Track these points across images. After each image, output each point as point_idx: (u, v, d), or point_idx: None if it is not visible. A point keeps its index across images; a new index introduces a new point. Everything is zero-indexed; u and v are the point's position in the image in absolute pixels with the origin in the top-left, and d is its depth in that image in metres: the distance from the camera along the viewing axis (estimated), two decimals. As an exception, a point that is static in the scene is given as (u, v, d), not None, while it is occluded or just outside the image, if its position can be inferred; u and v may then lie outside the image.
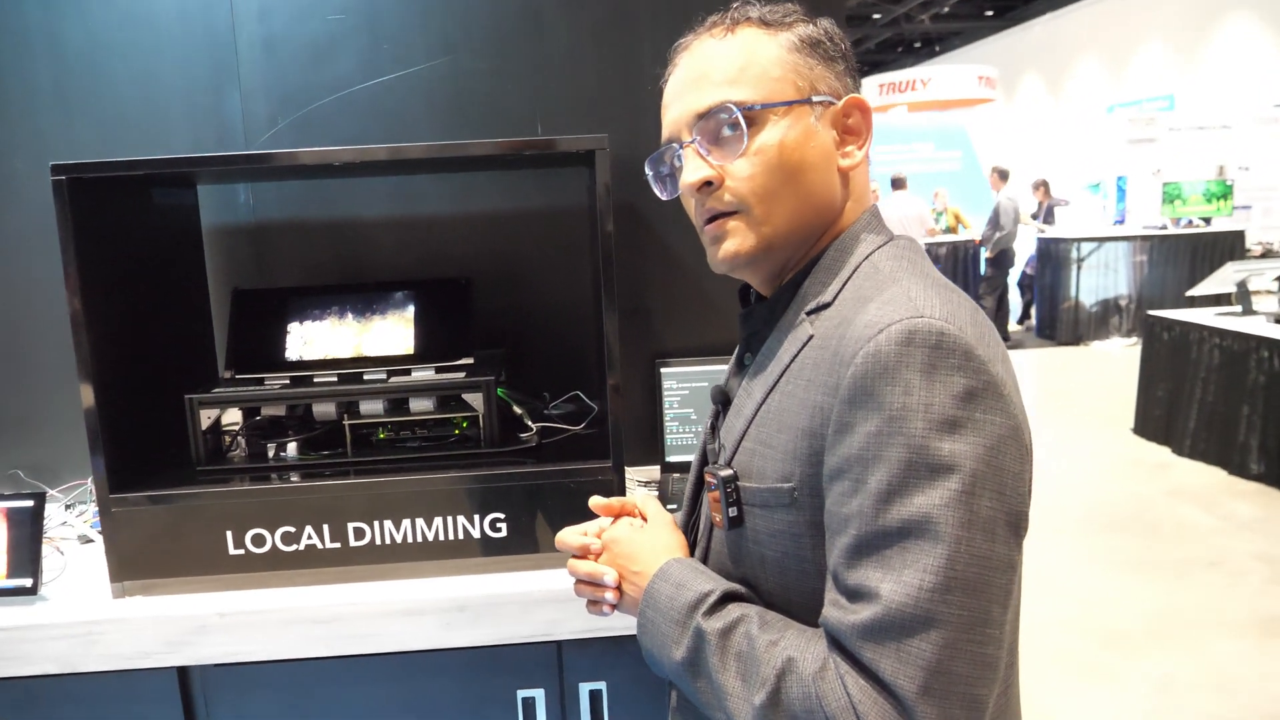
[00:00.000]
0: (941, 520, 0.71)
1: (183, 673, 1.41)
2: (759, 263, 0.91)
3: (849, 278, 0.87)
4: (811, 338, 0.85)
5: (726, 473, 0.89)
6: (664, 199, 0.98)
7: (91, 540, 1.65)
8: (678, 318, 1.98)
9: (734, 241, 0.89)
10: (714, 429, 1.00)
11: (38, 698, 1.40)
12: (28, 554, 1.43)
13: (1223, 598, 3.57)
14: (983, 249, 9.44)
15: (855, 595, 0.75)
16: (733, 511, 0.88)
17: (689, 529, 1.03)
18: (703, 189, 0.89)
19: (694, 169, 0.89)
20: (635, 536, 0.99)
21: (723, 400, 0.99)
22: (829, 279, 0.89)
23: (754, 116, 0.87)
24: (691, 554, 0.98)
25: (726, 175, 0.88)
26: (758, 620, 0.82)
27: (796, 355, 0.86)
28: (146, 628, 1.38)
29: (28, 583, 1.42)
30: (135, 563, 1.43)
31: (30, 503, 1.45)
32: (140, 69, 1.82)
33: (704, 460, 1.02)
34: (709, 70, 0.89)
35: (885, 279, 0.84)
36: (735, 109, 0.86)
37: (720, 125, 0.88)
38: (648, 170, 0.98)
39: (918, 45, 20.05)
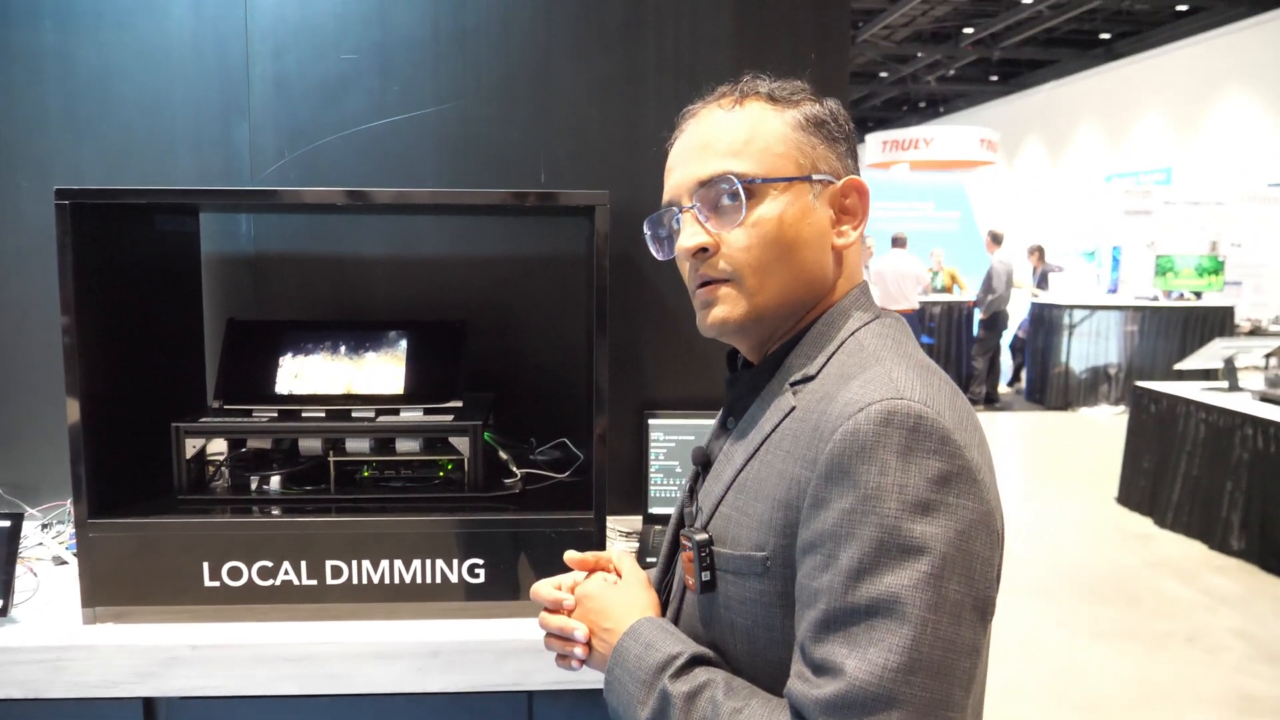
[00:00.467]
0: (909, 601, 0.73)
1: (148, 704, 1.40)
2: (747, 331, 0.93)
3: (834, 352, 0.89)
4: (794, 409, 0.87)
5: (702, 537, 0.90)
6: (660, 259, 1.00)
7: (65, 562, 1.64)
8: (668, 369, 2.00)
9: (724, 308, 0.91)
10: (692, 491, 1.01)
11: (-1, 723, 1.39)
12: (1, 575, 1.42)
13: (1199, 673, 3.56)
14: (977, 310, 9.52)
15: (821, 670, 0.75)
16: (706, 575, 0.89)
17: (662, 588, 1.04)
18: (698, 254, 0.91)
19: (691, 234, 0.91)
20: (608, 593, 0.99)
21: (703, 462, 1.00)
22: (815, 352, 0.90)
23: (754, 189, 0.88)
24: (664, 614, 0.99)
25: (723, 244, 0.90)
26: (724, 686, 0.83)
27: (778, 425, 0.87)
28: (116, 656, 1.37)
29: (-1, 603, 1.41)
30: (108, 589, 1.42)
31: (7, 523, 1.44)
32: (151, 96, 1.85)
33: (681, 521, 1.03)
34: (713, 140, 0.91)
35: (869, 357, 0.86)
36: (736, 180, 0.88)
37: (720, 194, 0.90)
38: (646, 230, 0.99)
39: (922, 105, 20.38)
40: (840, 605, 0.75)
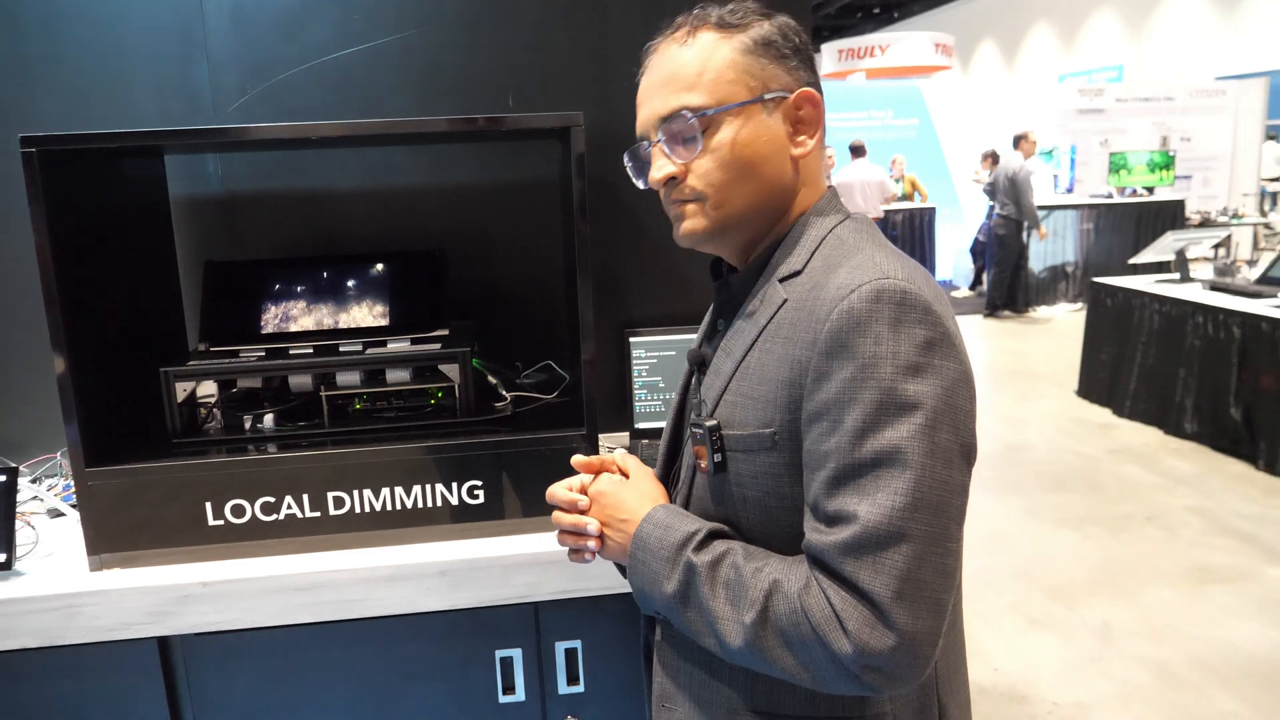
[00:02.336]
0: (909, 450, 0.83)
1: (163, 643, 1.43)
2: (718, 239, 1.02)
3: (815, 249, 0.98)
4: (786, 301, 0.96)
5: (711, 423, 0.98)
6: (641, 188, 1.07)
7: (63, 514, 1.65)
8: (646, 288, 2.02)
9: (691, 222, 1.01)
10: (687, 388, 1.11)
11: (18, 672, 1.41)
12: (1, 530, 1.43)
13: (1159, 550, 3.75)
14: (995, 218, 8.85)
15: (834, 520, 0.85)
16: (718, 458, 0.98)
17: (666, 480, 1.13)
18: (668, 183, 0.99)
19: (659, 166, 1.00)
20: (620, 489, 1.07)
21: (699, 362, 1.08)
22: (798, 250, 0.99)
23: (709, 120, 0.96)
24: (671, 502, 1.06)
25: (689, 171, 0.98)
26: (742, 552, 0.93)
27: (773, 317, 0.96)
28: (127, 599, 1.40)
29: (1, 558, 1.43)
30: (113, 535, 1.44)
31: (3, 478, 1.45)
32: (104, 38, 1.78)
33: (679, 417, 1.12)
34: (670, 76, 0.98)
35: (850, 248, 0.95)
36: (691, 115, 0.96)
37: (679, 128, 0.97)
38: (626, 162, 1.07)
39: (877, 11, 20.05)
40: (848, 461, 0.84)
